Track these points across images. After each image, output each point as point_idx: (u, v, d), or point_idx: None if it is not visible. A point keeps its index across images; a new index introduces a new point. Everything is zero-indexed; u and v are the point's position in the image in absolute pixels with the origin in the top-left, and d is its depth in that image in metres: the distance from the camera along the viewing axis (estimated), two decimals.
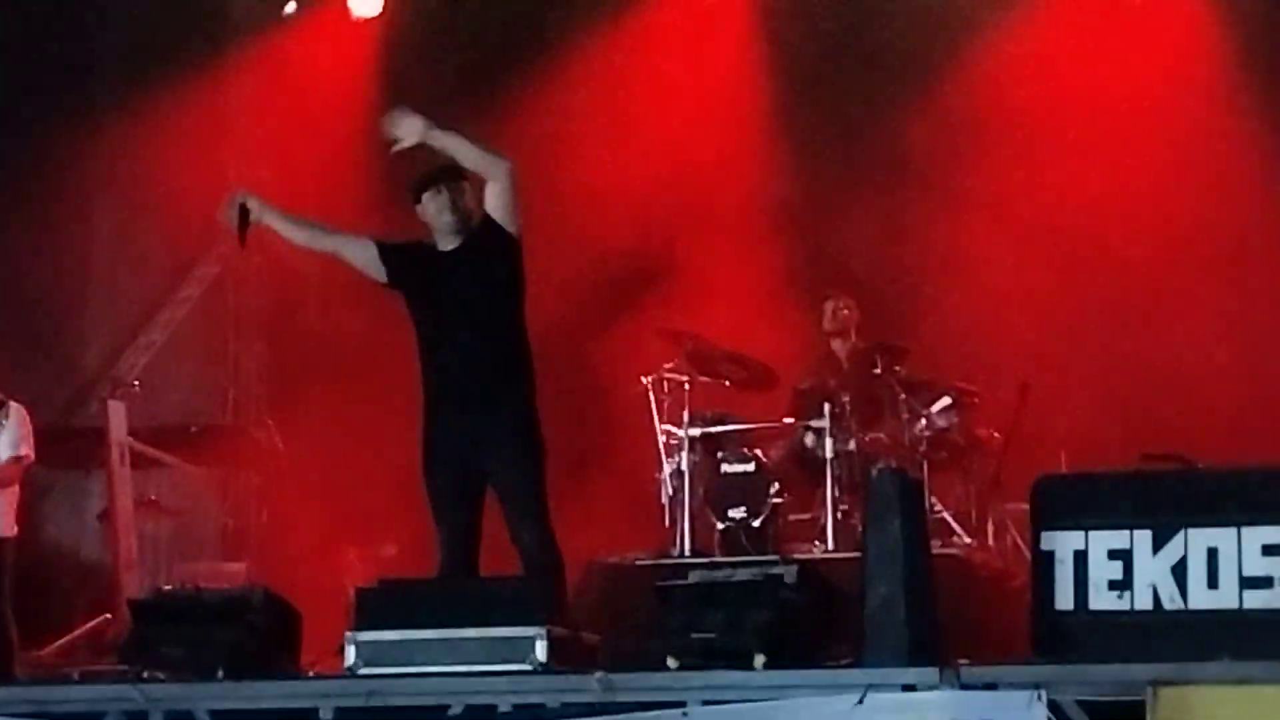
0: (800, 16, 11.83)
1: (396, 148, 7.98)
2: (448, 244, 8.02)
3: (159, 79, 12.04)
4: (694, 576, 7.50)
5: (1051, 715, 6.69)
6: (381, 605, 7.64)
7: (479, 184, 8.02)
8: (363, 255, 8.14)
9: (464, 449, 7.95)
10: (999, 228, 11.06)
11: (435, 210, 8.01)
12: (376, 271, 8.13)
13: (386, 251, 8.09)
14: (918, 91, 11.39)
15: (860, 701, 6.77)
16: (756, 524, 9.85)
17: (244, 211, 8.06)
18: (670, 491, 9.96)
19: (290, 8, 12.27)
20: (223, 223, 8.29)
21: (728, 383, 10.38)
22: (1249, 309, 10.36)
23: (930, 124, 11.30)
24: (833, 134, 11.74)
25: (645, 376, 10.18)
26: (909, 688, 6.80)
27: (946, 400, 10.03)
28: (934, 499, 9.88)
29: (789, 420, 10.17)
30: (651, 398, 10.15)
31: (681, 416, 10.04)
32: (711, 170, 11.80)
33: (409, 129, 7.91)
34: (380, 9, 12.26)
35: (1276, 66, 10.84)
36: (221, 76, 12.51)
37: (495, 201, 7.92)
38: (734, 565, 7.95)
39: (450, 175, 8.02)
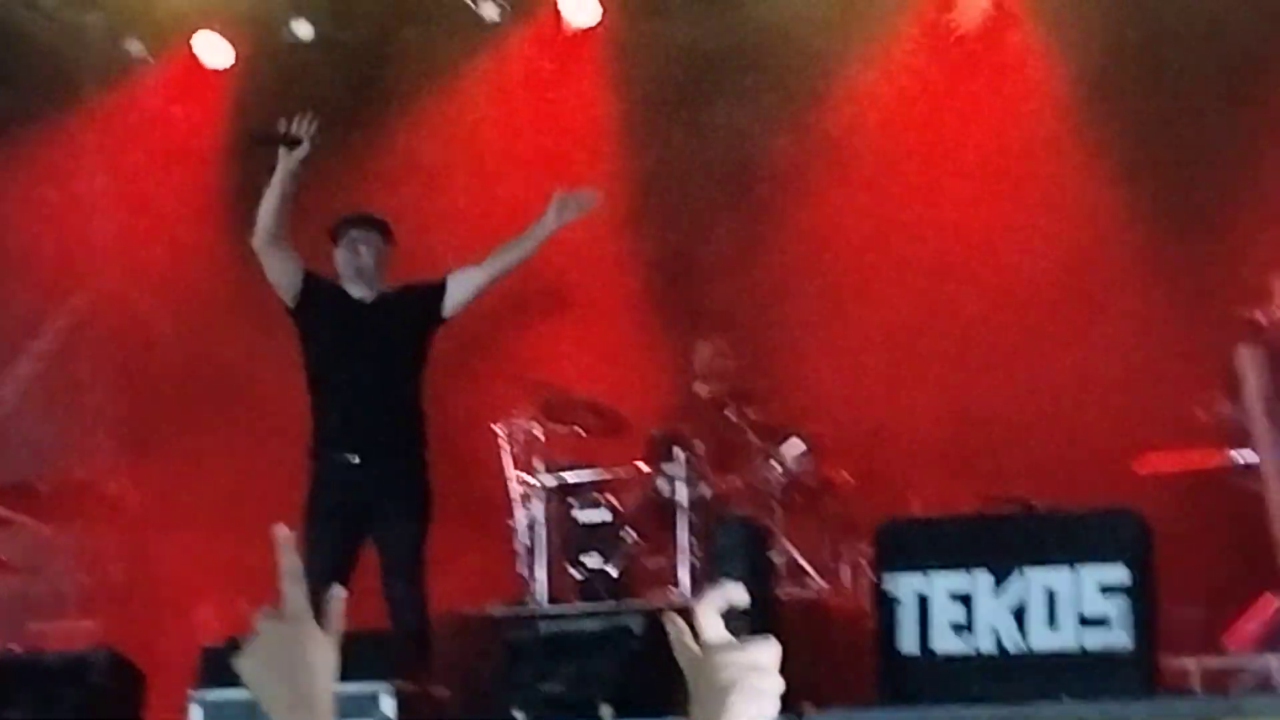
0: (657, 48, 11.86)
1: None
2: (357, 291, 8.10)
3: (7, 129, 11.90)
4: (543, 628, 7.50)
5: None
6: (229, 663, 7.56)
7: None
8: (287, 270, 8.13)
9: (352, 499, 7.97)
10: (853, 270, 11.14)
11: (361, 250, 8.06)
12: (290, 292, 8.12)
13: (310, 279, 8.12)
14: (780, 124, 11.46)
15: None
16: (613, 572, 9.84)
17: (283, 138, 7.95)
18: (525, 541, 9.94)
19: (136, 49, 12.14)
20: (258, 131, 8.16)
21: (581, 430, 10.38)
22: (1092, 356, 10.48)
23: (791, 159, 11.38)
24: (693, 168, 11.78)
25: (498, 424, 10.17)
26: None
27: (799, 444, 10.08)
28: (788, 543, 9.92)
29: (643, 466, 10.18)
30: (505, 446, 10.13)
31: (535, 464, 10.03)
32: None
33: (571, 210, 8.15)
34: (233, 60, 12.17)
35: (1124, 109, 10.97)
36: (73, 127, 12.38)
37: (468, 281, 8.01)
38: (583, 616, 7.95)
39: (386, 226, 8.14)
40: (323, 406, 8.07)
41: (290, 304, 8.12)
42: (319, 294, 8.11)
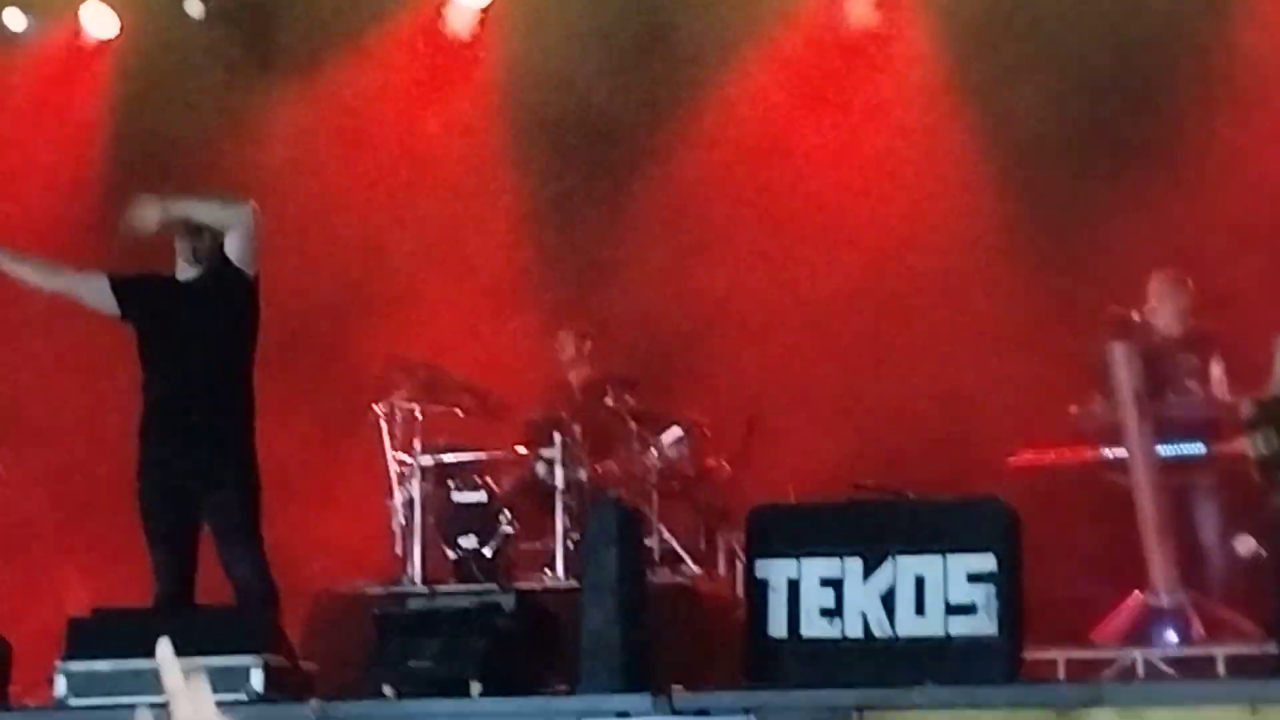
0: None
1: (139, 234, 8.10)
2: (185, 274, 8.15)
3: None
4: (412, 604, 7.50)
5: None
6: (94, 635, 7.53)
7: None
8: (95, 291, 8.22)
9: (179, 479, 7.99)
10: (735, 264, 11.19)
11: (178, 250, 8.13)
12: (109, 306, 8.23)
13: (119, 285, 8.21)
14: (663, 117, 11.49)
15: None
16: (488, 553, 9.83)
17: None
18: (401, 520, 9.91)
19: (18, 25, 11.93)
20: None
21: (460, 412, 10.36)
22: (969, 350, 10.56)
23: (677, 152, 11.42)
24: (580, 160, 11.78)
25: (377, 404, 10.14)
26: (622, 714, 6.87)
27: (677, 431, 10.12)
28: (664, 529, 9.96)
29: (521, 449, 10.18)
30: (383, 425, 10.10)
31: (413, 445, 10.01)
32: (448, 196, 11.79)
33: (145, 218, 8.02)
34: (117, 31, 11.97)
35: (1005, 110, 11.04)
36: None
37: (232, 246, 8.12)
38: (454, 594, 7.96)
39: (187, 227, 8.15)
40: (151, 391, 8.14)
41: (116, 314, 8.23)
42: (136, 291, 8.21)
